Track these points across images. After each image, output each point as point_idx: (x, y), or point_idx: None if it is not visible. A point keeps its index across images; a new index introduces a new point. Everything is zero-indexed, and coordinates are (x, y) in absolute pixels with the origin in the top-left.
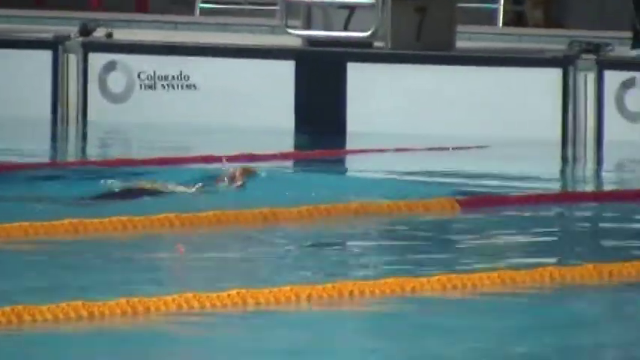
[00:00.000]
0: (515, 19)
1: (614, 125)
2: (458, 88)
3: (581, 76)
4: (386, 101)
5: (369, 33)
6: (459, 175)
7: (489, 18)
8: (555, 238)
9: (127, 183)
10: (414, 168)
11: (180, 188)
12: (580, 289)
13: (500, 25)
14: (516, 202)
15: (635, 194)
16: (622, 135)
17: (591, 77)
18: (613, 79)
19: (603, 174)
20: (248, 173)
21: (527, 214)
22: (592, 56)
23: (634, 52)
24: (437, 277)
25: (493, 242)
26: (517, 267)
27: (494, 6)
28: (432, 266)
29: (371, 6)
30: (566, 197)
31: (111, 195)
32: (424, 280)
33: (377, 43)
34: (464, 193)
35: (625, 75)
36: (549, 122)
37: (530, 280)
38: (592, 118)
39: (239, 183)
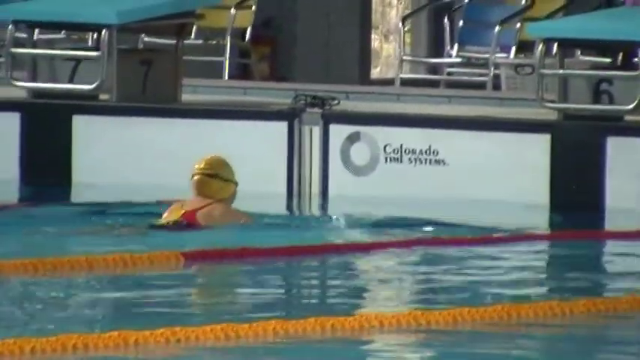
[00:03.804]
0: (241, 72)
1: (340, 179)
2: (182, 141)
3: (306, 129)
4: (111, 153)
5: (94, 85)
6: (185, 227)
7: (215, 71)
8: (281, 292)
9: None
10: (139, 221)
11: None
12: (303, 342)
13: (226, 77)
14: (239, 255)
15: (359, 246)
16: (347, 188)
17: (317, 131)
18: (338, 132)
19: (328, 227)
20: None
21: (249, 267)
22: (317, 110)
23: None
24: (160, 331)
25: (215, 296)
26: (241, 321)
27: (219, 59)
28: (156, 320)
29: (97, 58)
30: (291, 251)
31: None
32: (147, 333)
33: (102, 96)
34: (189, 246)
35: (350, 129)
36: (275, 175)
37: (253, 335)
38: (317, 172)
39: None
